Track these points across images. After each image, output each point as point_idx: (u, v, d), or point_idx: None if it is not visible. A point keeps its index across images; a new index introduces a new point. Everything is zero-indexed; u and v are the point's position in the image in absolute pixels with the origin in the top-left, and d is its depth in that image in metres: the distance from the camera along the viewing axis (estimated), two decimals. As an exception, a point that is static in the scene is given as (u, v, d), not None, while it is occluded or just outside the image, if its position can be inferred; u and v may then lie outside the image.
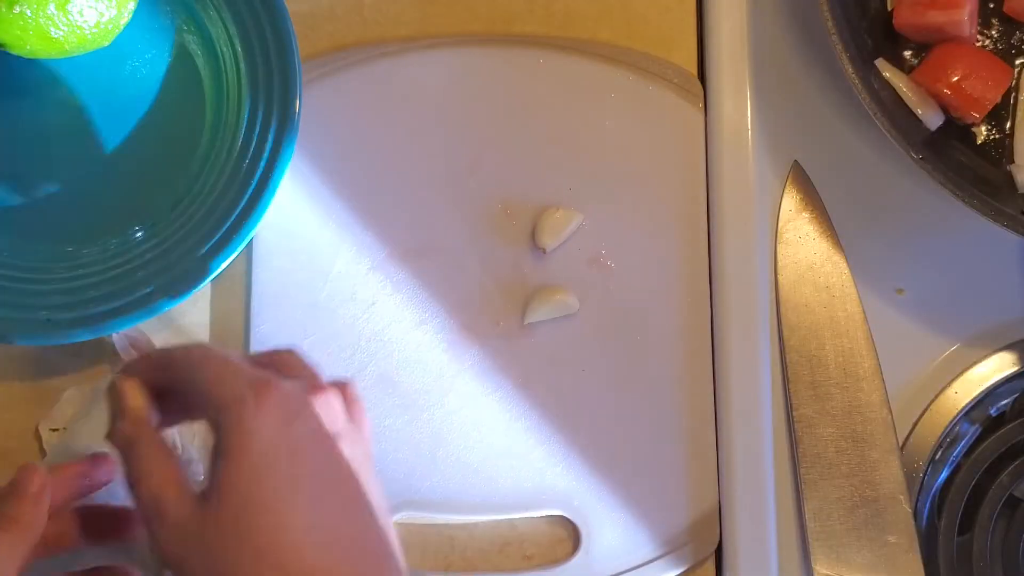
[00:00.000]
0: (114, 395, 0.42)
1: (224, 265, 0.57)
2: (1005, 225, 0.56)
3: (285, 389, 0.39)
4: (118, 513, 0.47)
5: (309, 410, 0.40)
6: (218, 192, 0.57)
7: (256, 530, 0.37)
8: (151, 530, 0.39)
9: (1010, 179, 0.60)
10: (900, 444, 0.61)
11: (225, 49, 0.59)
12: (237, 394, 0.38)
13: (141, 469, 0.39)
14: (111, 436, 0.41)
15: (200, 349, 0.41)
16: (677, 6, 0.65)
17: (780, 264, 0.62)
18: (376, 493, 0.41)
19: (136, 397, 0.41)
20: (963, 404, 0.61)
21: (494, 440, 0.60)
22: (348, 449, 0.41)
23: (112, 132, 0.59)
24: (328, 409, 0.41)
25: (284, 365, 0.43)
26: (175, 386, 0.41)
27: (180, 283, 0.56)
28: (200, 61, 0.60)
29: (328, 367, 0.59)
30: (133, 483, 0.39)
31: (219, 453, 0.38)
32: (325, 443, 0.40)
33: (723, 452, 0.60)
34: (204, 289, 0.60)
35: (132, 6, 0.56)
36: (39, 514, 0.43)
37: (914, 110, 0.60)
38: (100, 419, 0.56)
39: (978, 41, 0.62)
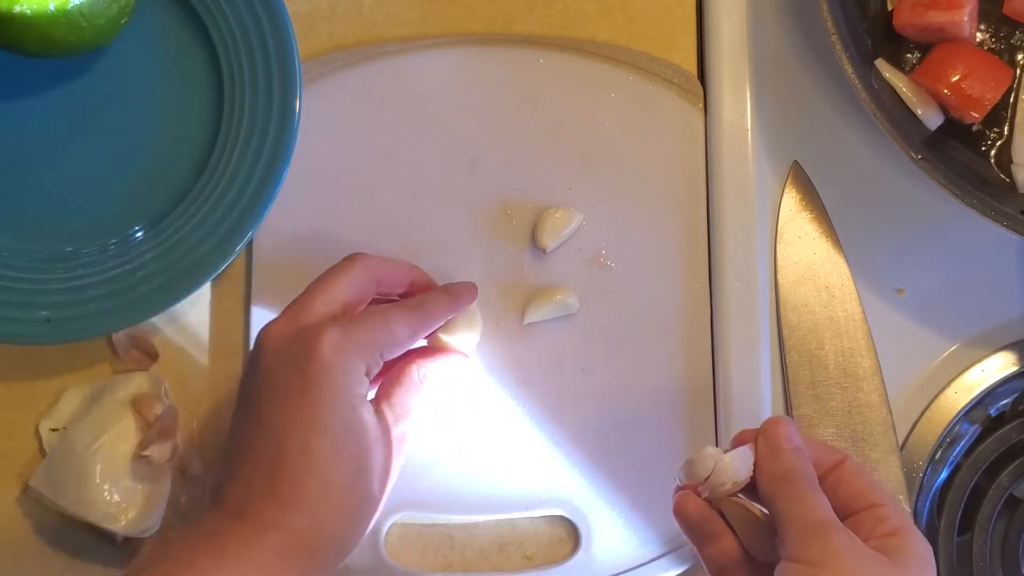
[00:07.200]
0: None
1: (224, 265, 0.57)
2: (1005, 225, 0.56)
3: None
4: None
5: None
6: (218, 192, 0.57)
7: None
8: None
9: (1010, 179, 0.60)
10: (900, 444, 0.61)
11: (225, 49, 0.59)
12: None
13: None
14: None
15: None
16: (677, 6, 0.65)
17: (780, 264, 0.62)
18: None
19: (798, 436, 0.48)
20: (963, 404, 0.62)
21: (494, 440, 0.60)
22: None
23: (112, 132, 0.59)
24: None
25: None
26: None
27: (180, 283, 0.56)
28: (200, 61, 0.59)
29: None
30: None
31: None
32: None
33: (723, 452, 0.60)
34: (204, 289, 0.60)
35: (132, 6, 0.56)
36: (439, 319, 0.54)
37: (914, 110, 0.60)
38: (100, 419, 0.57)
39: (978, 41, 0.62)
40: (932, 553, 0.45)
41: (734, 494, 0.48)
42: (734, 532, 0.48)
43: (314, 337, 0.47)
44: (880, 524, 0.45)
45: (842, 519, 0.45)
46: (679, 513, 0.49)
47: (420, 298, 0.53)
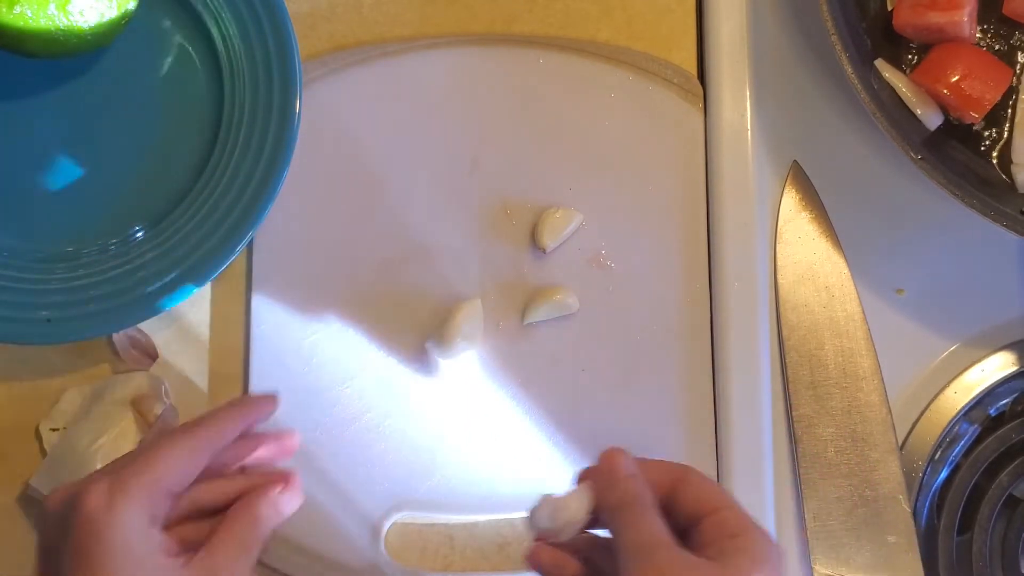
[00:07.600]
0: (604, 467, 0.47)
1: (224, 265, 0.57)
2: (1005, 225, 0.56)
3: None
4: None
5: None
6: (218, 192, 0.57)
7: None
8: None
9: (1010, 179, 0.60)
10: (899, 444, 0.61)
11: (225, 49, 0.59)
12: None
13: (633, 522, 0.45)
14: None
15: None
16: (677, 6, 0.65)
17: (780, 264, 0.62)
18: None
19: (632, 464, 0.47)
20: (962, 404, 0.62)
21: (494, 440, 0.60)
22: None
23: (112, 132, 0.59)
24: None
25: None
26: None
27: (180, 283, 0.56)
28: (200, 61, 0.60)
29: (328, 367, 0.59)
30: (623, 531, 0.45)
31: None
32: None
33: (723, 452, 0.60)
34: (204, 289, 0.60)
35: (132, 6, 0.56)
36: (224, 433, 0.47)
37: (913, 110, 0.60)
38: (100, 419, 0.57)
39: (978, 41, 0.62)
40: (776, 551, 0.44)
41: (583, 531, 0.48)
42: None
43: (80, 499, 0.42)
44: (720, 528, 0.45)
45: (690, 530, 0.45)
46: (533, 568, 0.48)
47: (201, 416, 0.47)
